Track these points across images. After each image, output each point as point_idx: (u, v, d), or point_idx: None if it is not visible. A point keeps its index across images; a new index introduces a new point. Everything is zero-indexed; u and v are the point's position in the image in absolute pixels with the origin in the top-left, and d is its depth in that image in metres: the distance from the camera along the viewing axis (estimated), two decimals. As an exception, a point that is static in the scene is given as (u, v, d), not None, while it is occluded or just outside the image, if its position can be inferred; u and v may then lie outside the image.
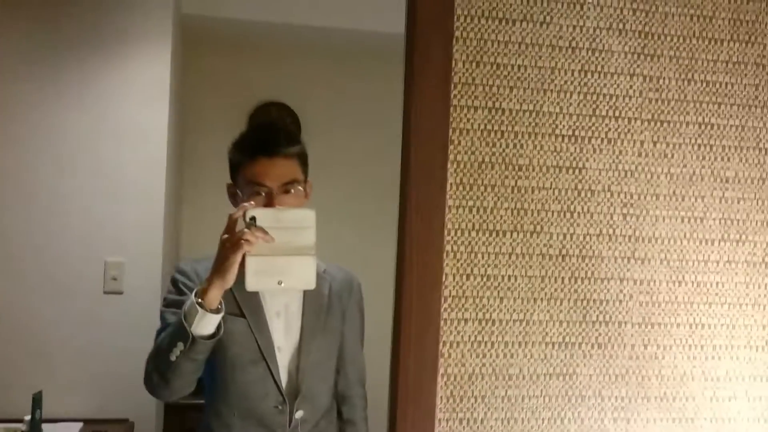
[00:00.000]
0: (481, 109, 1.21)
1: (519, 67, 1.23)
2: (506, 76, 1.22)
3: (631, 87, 1.26)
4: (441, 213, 1.16)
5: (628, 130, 1.26)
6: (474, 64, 1.21)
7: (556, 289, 1.23)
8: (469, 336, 1.21)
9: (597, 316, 1.25)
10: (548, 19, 1.23)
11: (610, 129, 1.25)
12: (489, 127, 1.21)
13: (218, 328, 1.53)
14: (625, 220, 1.25)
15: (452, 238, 1.20)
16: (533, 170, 1.23)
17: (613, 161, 1.25)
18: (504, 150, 1.22)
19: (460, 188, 1.20)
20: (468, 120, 1.21)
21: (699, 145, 1.27)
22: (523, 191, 1.22)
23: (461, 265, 1.20)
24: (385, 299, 3.63)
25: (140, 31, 3.05)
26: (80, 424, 2.84)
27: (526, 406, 1.23)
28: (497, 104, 1.22)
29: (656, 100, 1.26)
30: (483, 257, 1.21)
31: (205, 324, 1.49)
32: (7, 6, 2.89)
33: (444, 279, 1.18)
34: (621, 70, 1.25)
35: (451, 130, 1.19)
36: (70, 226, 2.98)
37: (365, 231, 3.70)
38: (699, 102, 1.27)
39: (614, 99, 1.25)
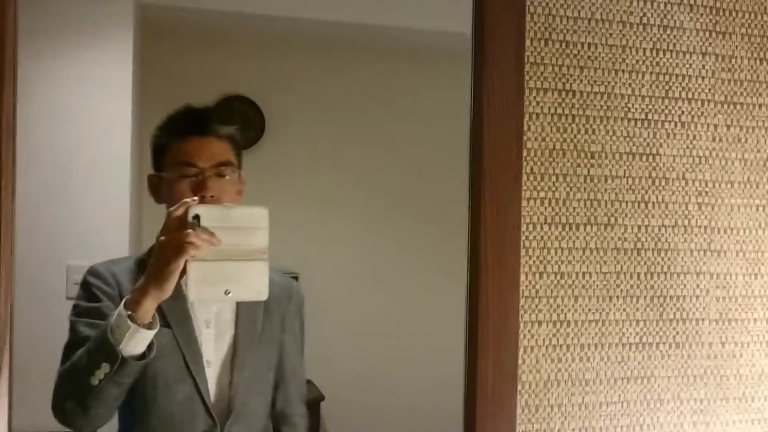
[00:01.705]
0: (551, 91, 1.11)
1: (589, 45, 1.13)
2: (576, 55, 1.12)
3: (703, 67, 1.17)
4: (517, 205, 1.05)
5: (702, 113, 1.17)
6: (543, 41, 1.11)
7: (632, 286, 1.14)
8: (544, 339, 1.10)
9: (674, 313, 1.16)
10: (618, -8, 1.14)
11: (683, 112, 1.16)
12: (560, 111, 1.11)
13: (150, 346, 1.30)
14: (701, 209, 1.17)
15: (525, 233, 1.09)
16: (606, 157, 1.13)
17: (687, 147, 1.17)
18: (575, 136, 1.12)
19: (531, 178, 1.10)
20: (538, 103, 1.10)
21: (772, 129, 1.20)
22: (596, 180, 1.13)
23: (534, 262, 1.10)
24: (337, 299, 3.53)
25: (100, 21, 2.86)
26: (45, 440, 2.64)
27: (603, 414, 1.13)
28: (567, 86, 1.12)
29: (729, 81, 1.18)
30: (556, 253, 1.11)
31: (137, 341, 1.26)
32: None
33: (520, 277, 1.08)
34: (693, 48, 1.17)
35: (524, 115, 1.08)
36: (28, 228, 2.77)
37: (329, 230, 3.57)
38: (771, 83, 1.20)
39: (687, 80, 1.17)
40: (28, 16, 2.82)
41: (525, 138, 1.09)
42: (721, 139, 1.18)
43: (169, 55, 3.58)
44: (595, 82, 1.13)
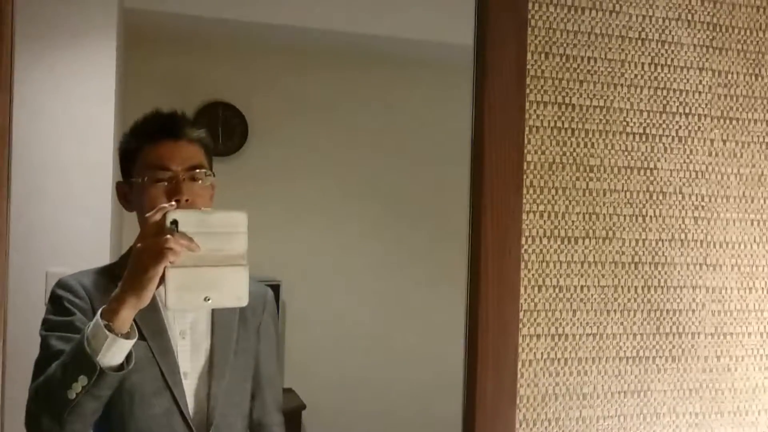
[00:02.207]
0: (551, 104, 1.11)
1: (589, 59, 1.13)
2: (576, 68, 1.12)
3: (700, 82, 1.18)
4: (518, 218, 1.05)
5: (699, 128, 1.18)
6: (544, 55, 1.11)
7: (629, 300, 1.14)
8: (542, 353, 1.10)
9: (671, 327, 1.16)
10: (618, 7, 1.14)
11: (680, 126, 1.17)
12: (560, 124, 1.11)
13: (128, 357, 1.25)
14: (697, 223, 1.17)
15: (524, 246, 1.09)
16: (604, 171, 1.13)
17: (684, 161, 1.17)
18: (575, 149, 1.12)
19: (530, 191, 1.10)
20: (538, 117, 1.10)
21: (767, 144, 1.21)
22: (594, 194, 1.13)
23: (533, 275, 1.10)
24: (318, 307, 3.50)
25: (82, 25, 2.82)
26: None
27: (601, 428, 1.13)
28: (567, 99, 1.12)
29: (725, 96, 1.19)
30: (555, 266, 1.11)
31: (115, 352, 1.21)
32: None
33: (519, 291, 1.07)
34: (690, 63, 1.17)
35: (524, 128, 1.08)
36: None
37: (311, 238, 3.55)
38: (766, 98, 1.21)
39: (684, 95, 1.17)
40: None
41: (525, 151, 1.09)
42: (717, 154, 1.19)
43: (153, 61, 3.55)
44: (594, 96, 1.13)
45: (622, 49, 1.15)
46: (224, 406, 1.45)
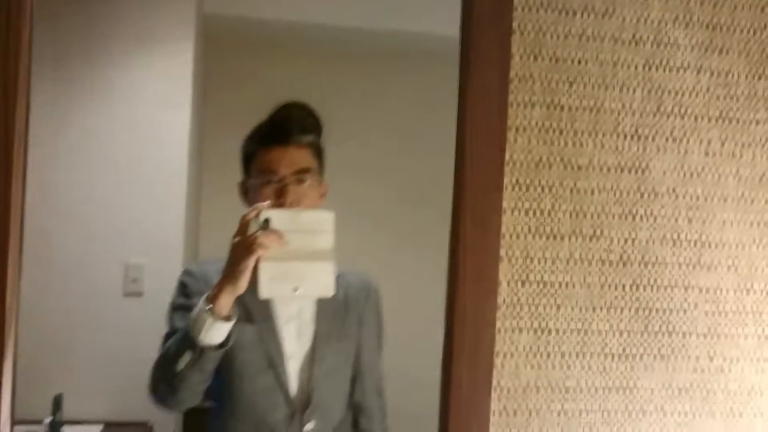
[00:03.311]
0: (539, 105, 1.14)
1: (579, 61, 1.15)
2: (566, 70, 1.15)
3: (698, 83, 1.18)
4: (497, 216, 1.09)
5: (695, 129, 1.18)
6: (532, 57, 1.14)
7: (616, 297, 1.16)
8: (524, 346, 1.13)
9: (660, 326, 1.17)
10: (610, 10, 1.16)
11: (675, 127, 1.18)
12: (547, 124, 1.14)
13: (228, 337, 1.43)
14: (691, 224, 1.18)
15: (507, 242, 1.13)
16: (593, 171, 1.16)
17: (678, 162, 1.18)
18: (563, 149, 1.15)
19: (516, 189, 1.13)
20: (525, 117, 1.14)
21: (769, 145, 1.20)
22: (582, 193, 1.15)
23: (516, 270, 1.13)
24: (407, 305, 3.55)
25: (162, 31, 3.00)
26: (100, 427, 2.80)
27: (583, 422, 1.15)
28: (556, 100, 1.15)
29: (724, 97, 1.19)
30: (539, 263, 1.14)
31: (215, 332, 1.40)
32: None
33: (498, 286, 1.11)
34: (687, 64, 1.18)
35: (507, 128, 1.11)
36: (90, 229, 2.93)
37: (388, 236, 3.63)
38: (769, 99, 1.20)
39: (680, 95, 1.18)
40: (92, 29, 3.00)
41: (511, 151, 1.13)
42: (714, 155, 1.19)
43: (229, 64, 3.72)
44: (584, 97, 1.16)
45: (615, 51, 1.16)
46: (323, 388, 1.61)
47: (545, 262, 1.14)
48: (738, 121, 1.19)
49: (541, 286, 1.14)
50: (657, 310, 1.17)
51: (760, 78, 1.20)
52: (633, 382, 1.16)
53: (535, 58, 1.14)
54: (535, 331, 1.14)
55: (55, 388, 2.61)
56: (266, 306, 1.60)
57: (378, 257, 3.56)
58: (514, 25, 1.12)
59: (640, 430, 1.17)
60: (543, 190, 1.14)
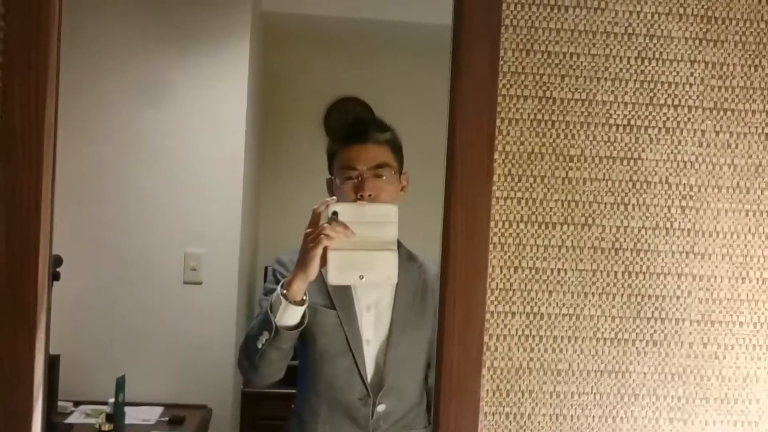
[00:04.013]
0: (531, 98, 1.18)
1: (571, 55, 1.19)
2: (558, 64, 1.19)
3: (691, 74, 1.20)
4: (487, 202, 1.14)
5: (688, 119, 1.20)
6: (524, 52, 1.18)
7: (608, 284, 1.20)
8: (516, 330, 1.18)
9: (652, 312, 1.20)
10: (603, 5, 1.19)
11: (668, 118, 1.20)
12: (539, 117, 1.19)
13: (302, 319, 1.57)
14: (684, 213, 1.20)
15: (500, 229, 1.18)
16: (585, 161, 1.19)
17: (672, 152, 1.20)
18: (554, 140, 1.19)
19: (509, 179, 1.18)
20: (517, 110, 1.18)
21: (766, 135, 1.21)
22: (574, 182, 1.19)
23: (509, 257, 1.18)
24: None
25: (221, 29, 3.13)
26: (161, 409, 2.95)
27: (575, 403, 1.19)
28: (548, 93, 1.19)
29: (719, 88, 1.20)
30: (532, 249, 1.18)
31: (289, 315, 1.55)
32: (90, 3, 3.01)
33: (491, 271, 1.16)
34: (681, 56, 1.20)
35: (499, 120, 1.17)
36: (151, 219, 3.09)
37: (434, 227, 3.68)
38: (767, 89, 1.21)
39: (673, 87, 1.20)
40: (152, 28, 3.15)
41: (504, 141, 1.18)
42: (708, 145, 1.21)
43: (286, 59, 3.84)
44: (576, 89, 1.19)
45: (607, 44, 1.20)
46: (397, 371, 1.75)
47: (537, 249, 1.19)
48: (733, 112, 1.21)
49: (533, 272, 1.19)
50: (650, 297, 1.20)
51: (757, 68, 1.21)
52: (625, 367, 1.20)
53: (527, 53, 1.19)
54: (528, 315, 1.19)
55: (120, 371, 2.77)
56: (348, 293, 1.74)
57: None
58: (507, 21, 1.17)
59: (633, 412, 1.20)
60: (535, 180, 1.19)
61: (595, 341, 1.20)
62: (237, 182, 3.16)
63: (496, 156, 1.16)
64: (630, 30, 1.20)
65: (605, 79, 1.20)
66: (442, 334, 1.13)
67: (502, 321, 1.18)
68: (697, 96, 1.20)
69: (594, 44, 1.20)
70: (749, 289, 1.21)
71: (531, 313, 1.19)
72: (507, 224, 1.18)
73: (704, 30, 1.21)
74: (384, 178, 1.72)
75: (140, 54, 3.04)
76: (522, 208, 1.18)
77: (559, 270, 1.19)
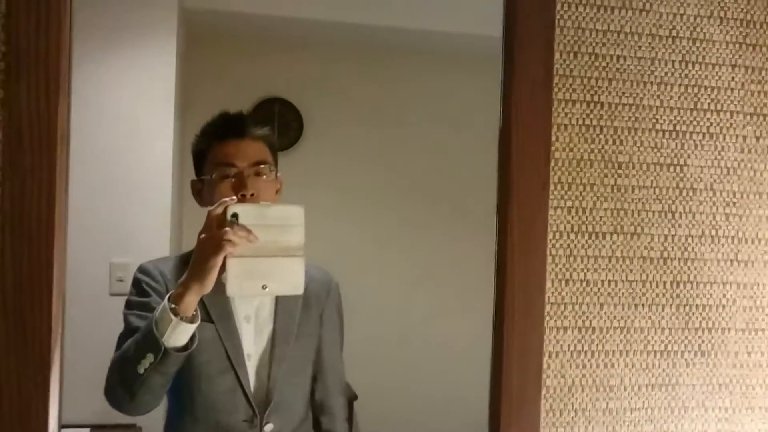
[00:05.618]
0: (580, 102, 1.13)
1: (618, 57, 1.15)
2: (605, 67, 1.14)
3: (732, 79, 1.18)
4: (544, 213, 1.08)
5: (731, 125, 1.18)
6: (572, 54, 1.13)
7: (657, 294, 1.16)
8: (569, 345, 1.13)
9: (700, 322, 1.17)
10: (648, 6, 1.16)
11: (711, 123, 1.18)
12: (588, 122, 1.14)
13: (192, 338, 1.37)
14: (728, 220, 1.18)
15: (551, 240, 1.12)
16: (633, 168, 1.15)
17: (715, 158, 1.18)
18: (603, 146, 1.14)
19: (559, 187, 1.12)
20: (567, 114, 1.13)
21: (802, 141, 1.21)
22: (623, 190, 1.15)
23: (560, 269, 1.12)
24: (369, 299, 3.54)
25: (144, 27, 2.93)
26: (87, 430, 2.73)
27: (628, 419, 1.15)
28: (596, 98, 1.14)
29: (758, 93, 1.19)
30: (582, 261, 1.13)
31: (179, 334, 1.33)
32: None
33: (545, 284, 1.10)
34: (722, 60, 1.18)
35: (551, 125, 1.11)
36: (74, 227, 2.85)
37: (365, 230, 3.62)
38: (802, 95, 1.20)
39: (716, 91, 1.18)
40: (75, 30, 2.91)
41: (553, 148, 1.12)
42: (750, 151, 1.19)
43: (209, 59, 3.66)
44: (623, 93, 1.15)
45: (652, 47, 1.16)
46: (283, 387, 1.54)
47: (588, 260, 1.14)
48: (772, 117, 1.20)
49: (584, 284, 1.13)
50: (697, 306, 1.17)
51: (792, 74, 1.20)
52: (675, 379, 1.17)
53: (576, 55, 1.13)
54: (579, 330, 1.13)
55: (41, 393, 2.53)
56: (225, 303, 1.52)
57: (358, 252, 3.55)
58: (559, 22, 1.11)
59: (683, 426, 1.17)
60: (585, 188, 1.13)
61: (645, 354, 1.16)
62: (165, 188, 2.97)
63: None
64: (674, 33, 1.17)
65: (651, 83, 1.16)
66: (500, 353, 1.06)
67: (555, 337, 1.12)
68: (738, 101, 1.19)
69: (640, 47, 1.16)
70: (789, 296, 1.20)
71: (583, 327, 1.13)
72: (558, 235, 1.12)
73: (744, 34, 1.19)
74: (264, 177, 1.53)
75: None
76: (572, 217, 1.13)
77: (609, 281, 1.14)
